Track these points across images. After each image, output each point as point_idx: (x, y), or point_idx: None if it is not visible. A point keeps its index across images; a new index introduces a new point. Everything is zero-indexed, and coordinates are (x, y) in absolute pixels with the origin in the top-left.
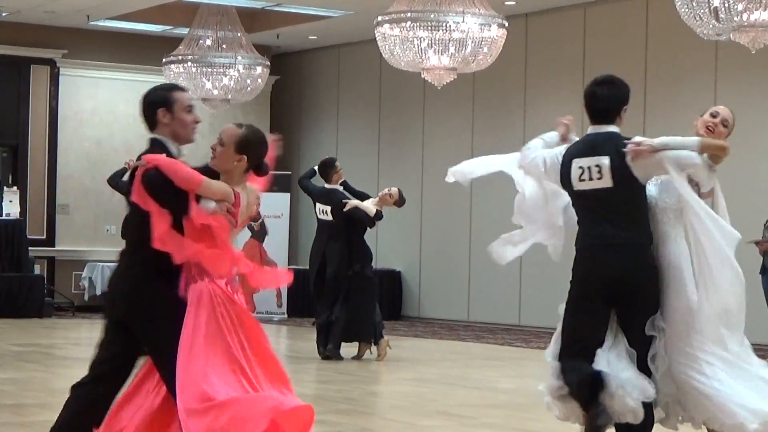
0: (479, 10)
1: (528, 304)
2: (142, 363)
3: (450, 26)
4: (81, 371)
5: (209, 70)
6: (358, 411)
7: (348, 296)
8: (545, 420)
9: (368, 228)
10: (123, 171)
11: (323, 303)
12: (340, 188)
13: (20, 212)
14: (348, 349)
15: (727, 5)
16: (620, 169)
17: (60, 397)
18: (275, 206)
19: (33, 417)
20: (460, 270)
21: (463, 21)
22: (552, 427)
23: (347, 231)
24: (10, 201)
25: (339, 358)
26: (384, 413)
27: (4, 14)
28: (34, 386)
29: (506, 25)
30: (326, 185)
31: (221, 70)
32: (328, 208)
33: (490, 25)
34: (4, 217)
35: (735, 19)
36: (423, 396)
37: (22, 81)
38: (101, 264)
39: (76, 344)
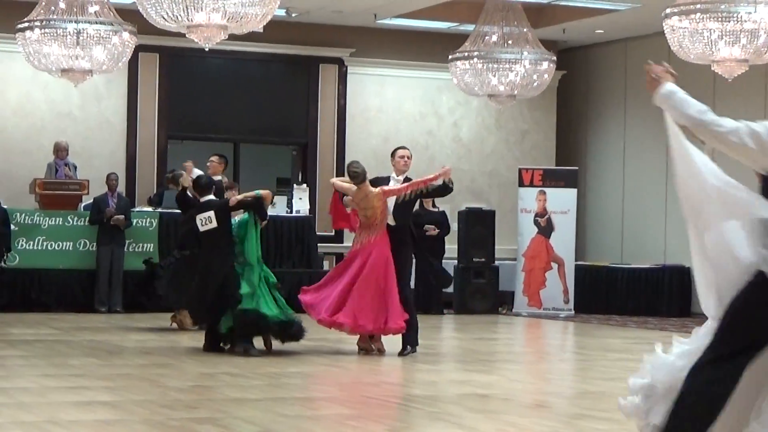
0: None
1: None
2: None
3: (741, 17)
4: (367, 366)
5: (495, 66)
6: None
7: None
8: None
9: None
10: None
11: None
12: None
13: (309, 209)
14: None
15: None
16: None
17: (348, 391)
18: (562, 202)
19: (322, 411)
20: None
21: (755, 11)
22: None
23: None
24: (300, 198)
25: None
26: None
27: (293, 15)
28: (324, 380)
29: None
30: None
31: (507, 66)
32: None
33: None
34: (294, 214)
35: None
36: None
37: (311, 80)
38: None
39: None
